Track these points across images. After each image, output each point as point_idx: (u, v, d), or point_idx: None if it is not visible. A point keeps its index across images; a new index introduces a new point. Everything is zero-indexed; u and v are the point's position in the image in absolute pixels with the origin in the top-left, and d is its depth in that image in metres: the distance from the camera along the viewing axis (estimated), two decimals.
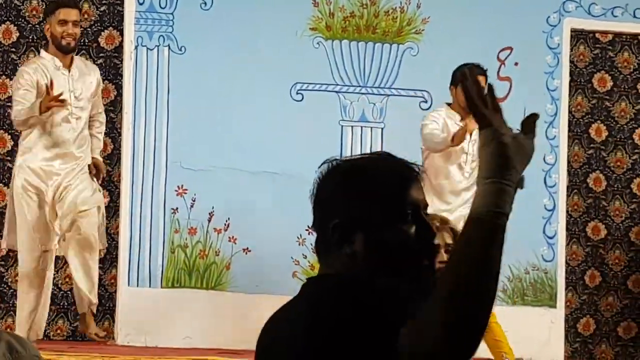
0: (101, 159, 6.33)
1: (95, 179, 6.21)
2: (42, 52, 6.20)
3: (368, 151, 6.34)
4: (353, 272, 1.78)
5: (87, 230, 6.02)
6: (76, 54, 6.30)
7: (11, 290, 6.64)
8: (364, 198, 1.80)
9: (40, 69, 6.02)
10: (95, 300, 6.16)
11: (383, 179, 1.81)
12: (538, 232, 7.07)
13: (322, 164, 1.84)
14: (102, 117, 6.37)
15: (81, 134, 6.12)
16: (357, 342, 1.68)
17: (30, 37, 6.86)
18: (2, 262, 6.77)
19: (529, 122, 1.67)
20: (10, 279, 6.71)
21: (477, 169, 1.64)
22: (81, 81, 6.13)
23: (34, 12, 6.89)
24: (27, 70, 6.06)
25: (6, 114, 6.83)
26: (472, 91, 1.63)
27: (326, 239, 1.81)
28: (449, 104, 6.40)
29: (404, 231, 1.78)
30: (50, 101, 5.78)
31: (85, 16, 6.80)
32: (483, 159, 1.63)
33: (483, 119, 1.63)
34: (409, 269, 1.78)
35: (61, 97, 5.82)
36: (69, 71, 6.08)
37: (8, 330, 5.86)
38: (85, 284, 6.05)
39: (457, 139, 6.13)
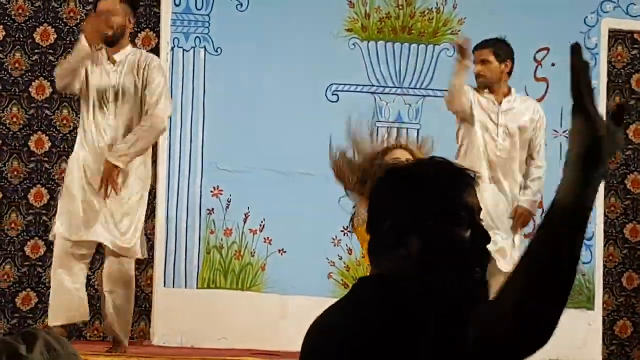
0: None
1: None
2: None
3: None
4: (401, 274, 1.79)
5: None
6: None
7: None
8: (418, 200, 1.82)
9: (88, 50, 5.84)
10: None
11: (438, 182, 1.84)
12: None
13: None
14: None
15: (123, 133, 5.84)
16: (393, 346, 1.68)
17: (68, 39, 6.90)
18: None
19: (620, 113, 1.67)
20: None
21: (568, 156, 1.62)
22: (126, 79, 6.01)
23: (72, 14, 6.93)
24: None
25: (44, 115, 6.88)
26: (582, 74, 1.61)
27: (379, 240, 1.83)
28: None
29: (458, 234, 1.80)
30: (95, 28, 5.70)
31: None
32: (576, 148, 1.61)
33: (581, 105, 1.62)
34: (460, 272, 1.79)
35: (99, 89, 5.79)
36: (114, 65, 5.90)
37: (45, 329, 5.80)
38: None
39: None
